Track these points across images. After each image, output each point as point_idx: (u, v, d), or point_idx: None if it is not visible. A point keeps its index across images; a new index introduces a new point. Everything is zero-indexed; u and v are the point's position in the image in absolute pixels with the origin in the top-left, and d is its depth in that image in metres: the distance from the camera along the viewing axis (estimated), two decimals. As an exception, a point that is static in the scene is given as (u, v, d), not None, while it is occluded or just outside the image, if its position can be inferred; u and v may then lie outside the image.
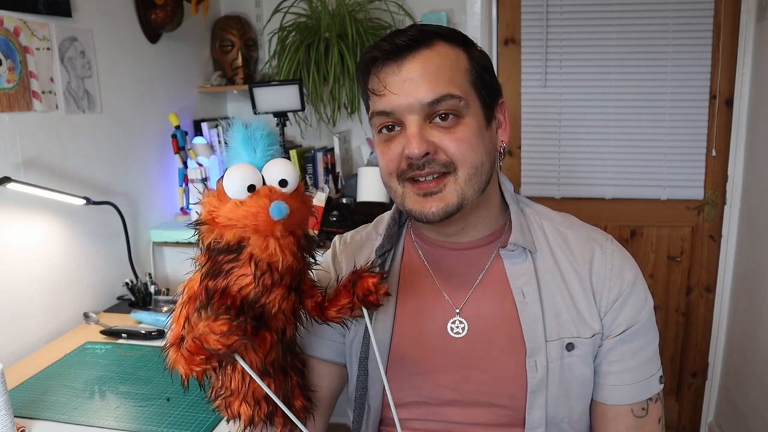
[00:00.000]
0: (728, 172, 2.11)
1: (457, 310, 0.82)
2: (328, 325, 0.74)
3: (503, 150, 0.83)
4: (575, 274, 0.81)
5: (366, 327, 0.82)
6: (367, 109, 0.81)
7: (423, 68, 0.73)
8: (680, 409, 2.34)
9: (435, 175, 0.75)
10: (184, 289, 0.66)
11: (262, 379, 0.67)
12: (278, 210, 0.61)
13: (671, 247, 2.23)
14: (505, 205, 0.87)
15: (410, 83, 0.73)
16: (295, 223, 0.64)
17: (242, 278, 0.63)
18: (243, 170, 0.63)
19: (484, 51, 0.81)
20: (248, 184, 0.62)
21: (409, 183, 0.76)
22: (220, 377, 0.70)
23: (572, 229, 0.85)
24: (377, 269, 0.78)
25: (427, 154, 0.73)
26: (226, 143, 0.68)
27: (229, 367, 0.69)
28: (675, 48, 2.08)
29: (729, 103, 2.07)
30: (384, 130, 0.77)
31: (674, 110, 2.12)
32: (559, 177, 2.26)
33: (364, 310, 0.73)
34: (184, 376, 0.60)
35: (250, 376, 0.67)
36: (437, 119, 0.74)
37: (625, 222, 2.25)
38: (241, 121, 0.65)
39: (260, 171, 0.64)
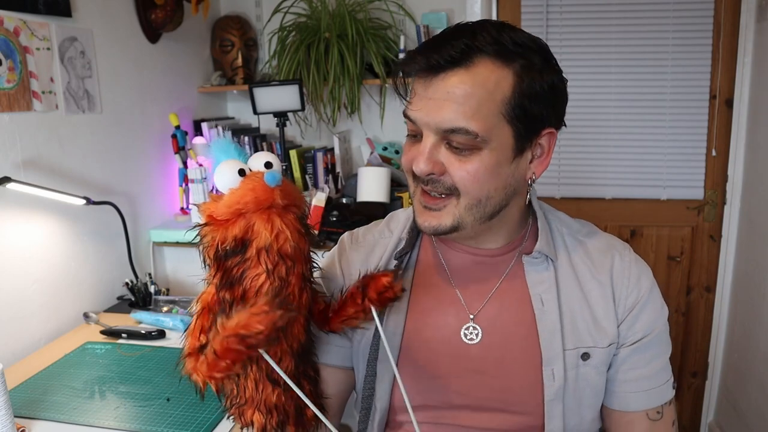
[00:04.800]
0: (728, 172, 2.11)
1: (472, 316, 0.81)
2: (331, 333, 0.75)
3: (532, 181, 0.78)
4: (595, 282, 0.81)
5: (376, 328, 0.82)
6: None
7: (449, 93, 0.69)
8: (680, 409, 2.34)
9: (438, 193, 0.74)
10: (197, 302, 0.66)
11: (273, 389, 0.68)
12: (272, 176, 0.63)
13: (671, 247, 2.23)
14: (527, 213, 0.85)
15: (433, 103, 0.70)
16: (291, 197, 0.66)
17: (257, 278, 0.63)
18: (229, 162, 0.66)
19: (551, 72, 0.73)
20: (238, 169, 0.65)
21: (421, 187, 0.76)
22: (235, 387, 0.70)
23: (591, 238, 0.85)
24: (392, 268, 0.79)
25: (432, 174, 0.73)
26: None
27: (241, 377, 0.69)
28: (675, 48, 2.08)
29: (729, 103, 2.07)
30: (410, 131, 0.77)
31: (674, 110, 2.12)
32: (559, 177, 2.26)
33: (374, 312, 0.72)
34: (202, 384, 0.59)
35: (263, 384, 0.68)
36: (454, 143, 0.71)
37: (625, 222, 2.25)
38: (214, 142, 0.70)
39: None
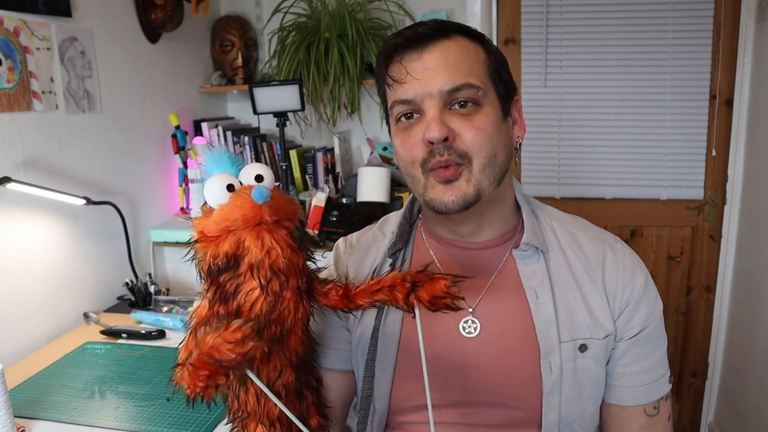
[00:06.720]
0: (728, 172, 2.11)
1: (471, 309, 0.81)
2: (350, 312, 0.72)
3: (519, 146, 0.83)
4: (588, 276, 0.81)
5: (374, 328, 0.82)
6: (384, 102, 0.81)
7: (443, 57, 0.74)
8: (680, 409, 2.34)
9: (452, 164, 0.75)
10: (192, 317, 0.66)
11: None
12: (259, 193, 0.62)
13: (671, 247, 2.23)
14: (517, 206, 0.86)
15: (430, 71, 0.74)
16: (282, 213, 0.64)
17: (251, 293, 0.63)
18: (218, 176, 0.65)
19: (499, 50, 0.82)
20: (227, 184, 0.64)
21: (432, 173, 0.76)
22: (236, 401, 0.70)
23: (582, 230, 0.85)
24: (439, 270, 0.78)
25: (446, 139, 0.73)
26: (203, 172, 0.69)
27: (242, 390, 0.68)
28: (675, 48, 2.08)
29: (729, 103, 2.07)
30: (403, 119, 0.77)
31: (674, 110, 2.12)
32: (559, 177, 2.26)
33: (416, 311, 0.68)
34: (189, 394, 0.58)
35: (265, 398, 0.67)
36: (456, 106, 0.74)
37: (625, 222, 2.25)
38: (207, 148, 0.68)
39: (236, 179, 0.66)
